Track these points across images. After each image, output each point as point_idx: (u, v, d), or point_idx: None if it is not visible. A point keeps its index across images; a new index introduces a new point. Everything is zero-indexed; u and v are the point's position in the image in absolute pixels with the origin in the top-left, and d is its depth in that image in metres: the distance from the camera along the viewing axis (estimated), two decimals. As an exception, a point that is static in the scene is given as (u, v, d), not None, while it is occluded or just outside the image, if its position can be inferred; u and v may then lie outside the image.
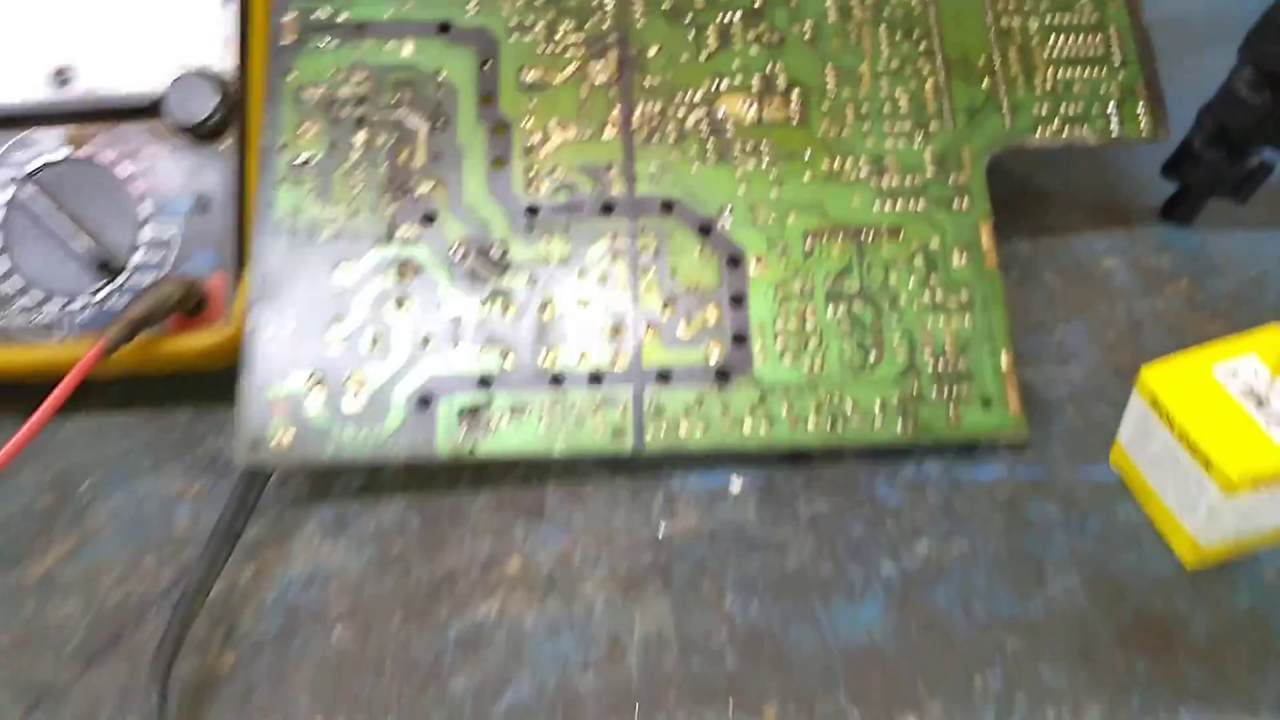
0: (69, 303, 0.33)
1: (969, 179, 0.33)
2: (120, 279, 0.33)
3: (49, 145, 0.34)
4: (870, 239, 0.32)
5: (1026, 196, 0.38)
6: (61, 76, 0.34)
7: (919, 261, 0.32)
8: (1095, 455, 0.30)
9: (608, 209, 0.32)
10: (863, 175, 0.33)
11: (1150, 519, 0.29)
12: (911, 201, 0.32)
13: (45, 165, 0.34)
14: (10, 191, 0.34)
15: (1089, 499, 0.29)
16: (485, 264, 0.32)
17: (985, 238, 0.32)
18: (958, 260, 0.32)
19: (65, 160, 0.34)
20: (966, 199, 0.32)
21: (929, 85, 0.34)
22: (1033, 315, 0.34)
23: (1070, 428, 0.31)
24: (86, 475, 0.33)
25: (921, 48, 0.34)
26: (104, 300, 0.33)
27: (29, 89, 0.34)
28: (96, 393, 0.35)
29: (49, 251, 0.33)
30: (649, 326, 0.31)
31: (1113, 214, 0.37)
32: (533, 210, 0.32)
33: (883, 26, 0.34)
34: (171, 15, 0.34)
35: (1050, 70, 0.34)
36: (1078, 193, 0.38)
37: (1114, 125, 0.34)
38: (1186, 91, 0.35)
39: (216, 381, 0.34)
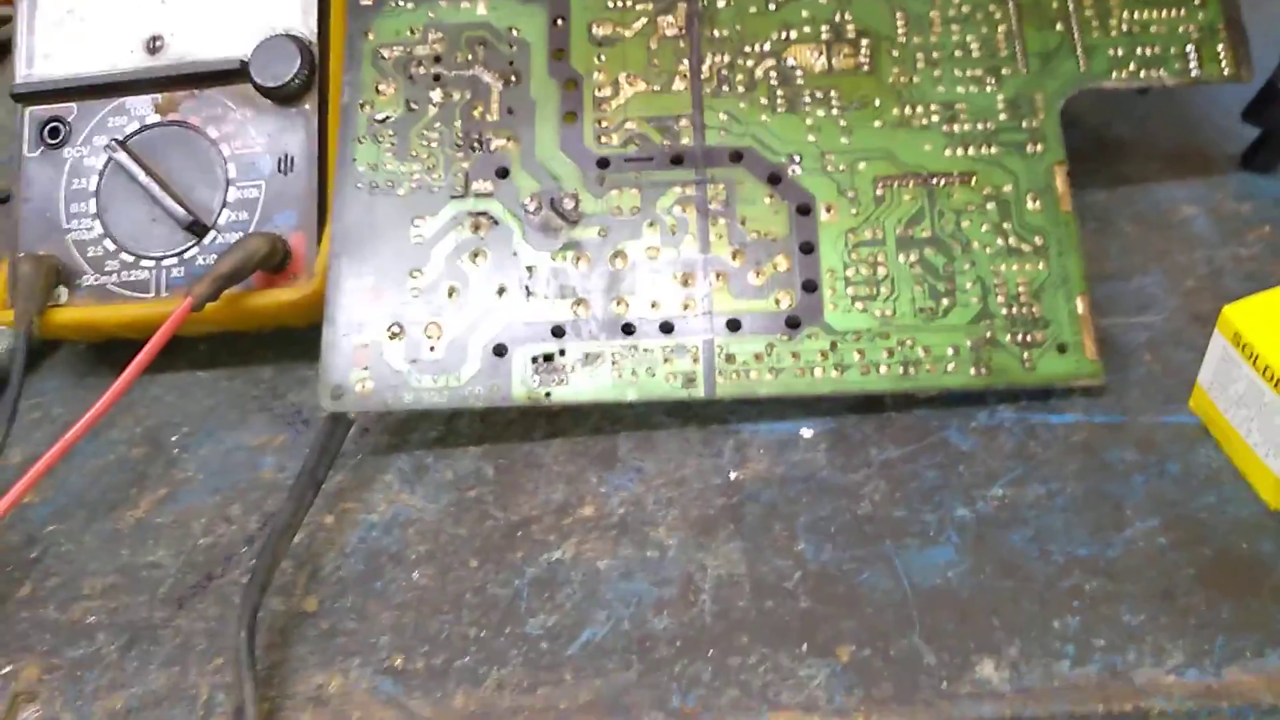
0: (160, 262, 0.35)
1: (1042, 123, 0.32)
2: (208, 238, 0.34)
3: (142, 111, 0.35)
4: (941, 185, 0.32)
5: (1104, 145, 0.37)
6: (154, 44, 0.36)
7: (992, 207, 0.31)
8: (1175, 399, 0.30)
9: (677, 160, 0.32)
10: (934, 121, 0.32)
11: (1232, 461, 0.28)
12: (983, 147, 0.32)
13: (138, 130, 0.35)
14: (106, 156, 0.35)
15: (1168, 442, 0.29)
16: (558, 216, 0.32)
17: (1060, 182, 0.31)
18: (1031, 205, 0.31)
19: (157, 125, 0.35)
20: (1040, 144, 0.32)
21: (1001, 30, 0.33)
22: (1110, 264, 0.34)
23: (1148, 373, 0.30)
24: (176, 428, 0.34)
25: (994, -7, 0.34)
26: (193, 259, 0.34)
27: (123, 57, 0.36)
28: (185, 350, 0.36)
29: (141, 213, 0.35)
30: (719, 275, 0.31)
31: (1192, 162, 0.36)
32: (603, 163, 0.32)
33: (953, -27, 0.34)
34: (254, -17, 0.35)
35: (1126, 12, 0.33)
36: (1156, 141, 0.37)
37: (1193, 66, 0.33)
38: (1273, 29, 0.34)
39: (299, 339, 0.35)
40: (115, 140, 0.35)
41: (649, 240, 0.31)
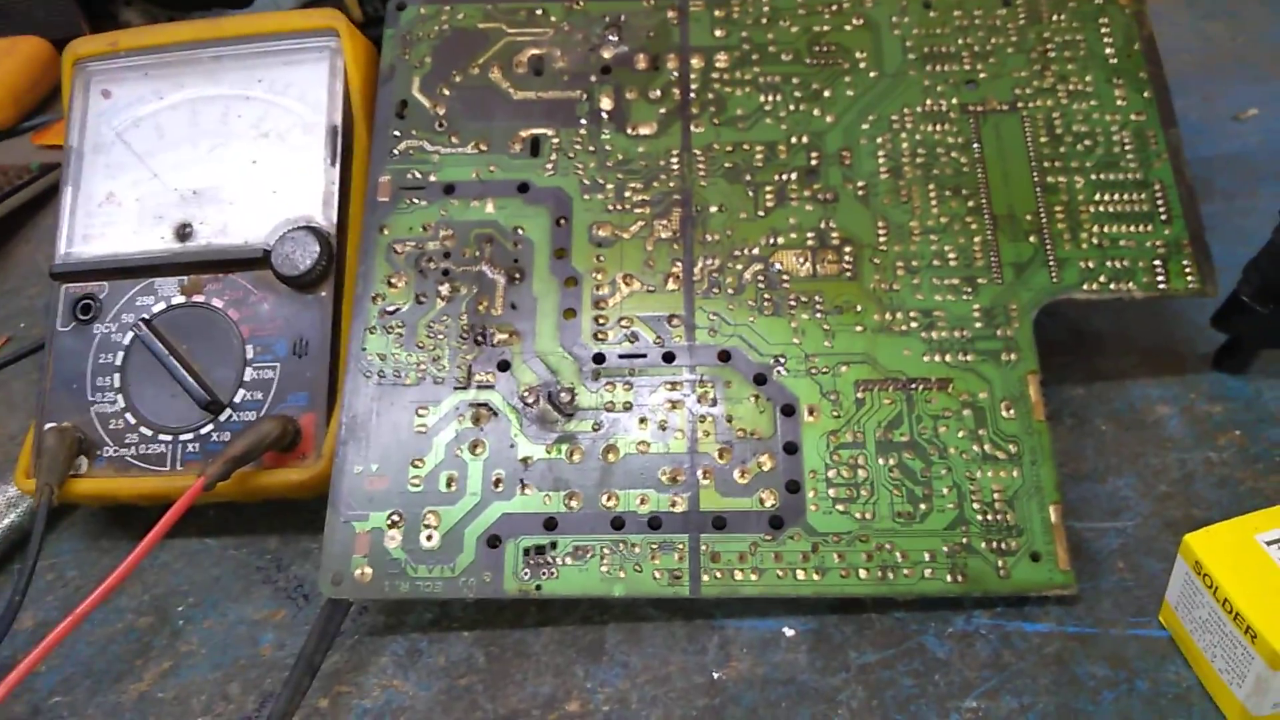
0: (177, 437, 0.36)
1: (1017, 333, 0.33)
2: (223, 416, 0.36)
3: (169, 291, 0.37)
4: (920, 390, 0.33)
5: (1082, 339, 0.38)
6: (184, 231, 0.37)
7: (968, 414, 0.32)
8: (1146, 611, 0.30)
9: (669, 358, 0.34)
10: (913, 328, 0.33)
11: (1200, 681, 0.28)
12: (960, 354, 0.33)
13: (164, 310, 0.37)
14: (132, 334, 0.37)
15: (1139, 657, 0.29)
16: (554, 409, 0.33)
17: (1033, 391, 0.32)
18: (1006, 413, 0.32)
19: (182, 305, 0.37)
20: (1014, 353, 0.33)
21: (977, 241, 0.35)
22: (1085, 464, 0.34)
23: (1121, 582, 0.31)
24: (182, 598, 0.35)
25: (970, 204, 0.35)
26: (208, 435, 0.36)
27: (156, 243, 0.37)
28: (195, 515, 0.37)
29: (162, 389, 0.36)
30: (706, 473, 0.32)
31: (1167, 360, 0.37)
32: (599, 358, 0.34)
33: (932, 184, 0.35)
34: (281, 176, 0.37)
35: (1096, 226, 0.35)
36: (1132, 337, 0.38)
37: (1160, 279, 0.34)
38: (1240, 234, 0.35)
39: (304, 509, 0.36)
40: (142, 319, 0.37)
41: (640, 435, 0.33)
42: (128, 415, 0.36)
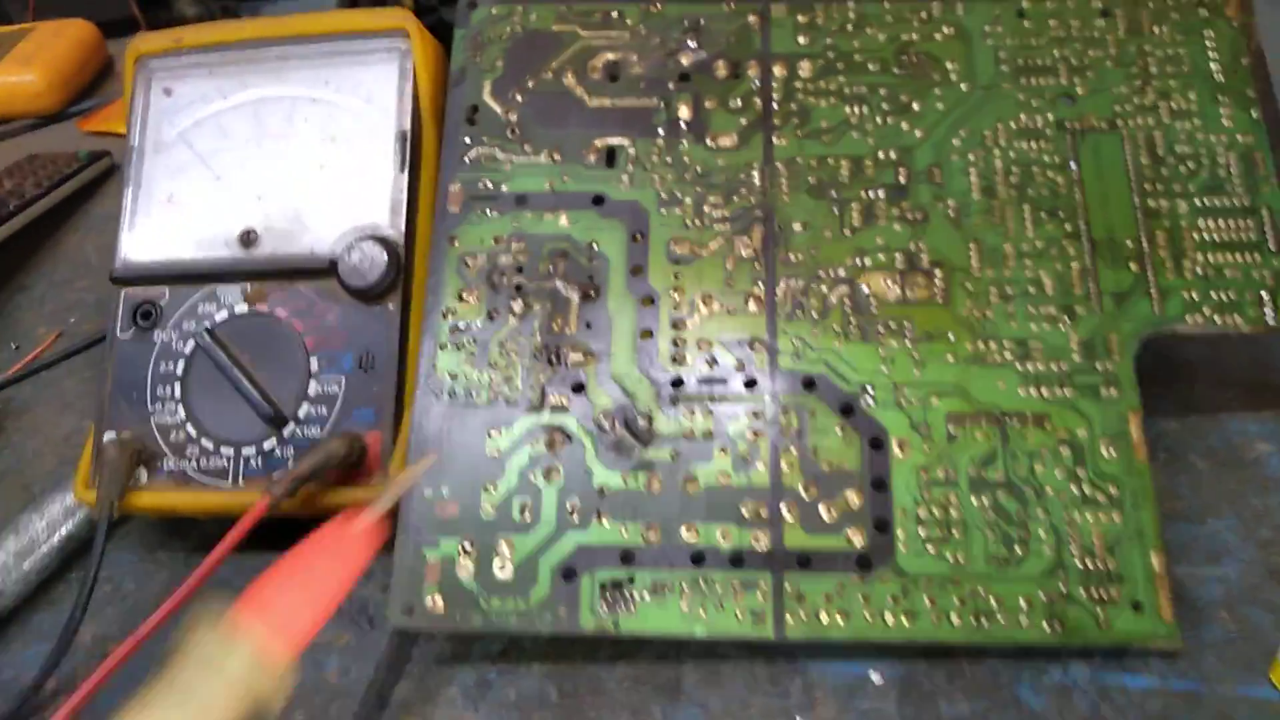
0: (239, 451, 0.34)
1: (1117, 367, 0.31)
2: (287, 430, 0.34)
3: (231, 299, 0.35)
4: (1015, 426, 0.31)
5: (1173, 369, 0.36)
6: (248, 238, 0.36)
7: (1066, 452, 0.30)
8: (1254, 669, 0.28)
9: (750, 384, 0.32)
10: (1007, 359, 0.31)
11: (1319, 748, 0.26)
12: (1057, 388, 0.31)
13: (227, 319, 0.35)
14: (194, 342, 0.35)
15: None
16: (631, 435, 0.31)
17: (1135, 430, 0.30)
18: (1106, 452, 0.30)
19: (245, 314, 0.35)
20: (1114, 388, 0.31)
21: (1075, 267, 0.32)
22: (1180, 503, 0.32)
23: (1225, 634, 0.29)
24: (246, 615, 0.34)
25: (1067, 228, 0.33)
26: (271, 451, 0.34)
27: (219, 248, 0.36)
28: (256, 529, 0.36)
29: (224, 401, 0.34)
30: (790, 508, 0.30)
31: (1266, 394, 0.35)
32: (678, 383, 0.32)
33: (1027, 206, 0.33)
34: (348, 182, 0.35)
35: (1200, 254, 0.32)
36: (1228, 368, 0.36)
37: (1269, 314, 0.32)
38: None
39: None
40: (205, 328, 0.35)
41: (720, 465, 0.31)
42: (189, 427, 0.35)
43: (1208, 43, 0.35)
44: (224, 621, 0.18)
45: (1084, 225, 0.33)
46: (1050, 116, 0.34)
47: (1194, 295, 0.32)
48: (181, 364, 0.35)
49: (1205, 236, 0.33)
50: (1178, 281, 0.32)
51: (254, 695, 0.17)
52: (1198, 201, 0.33)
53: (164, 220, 0.37)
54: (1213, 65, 0.35)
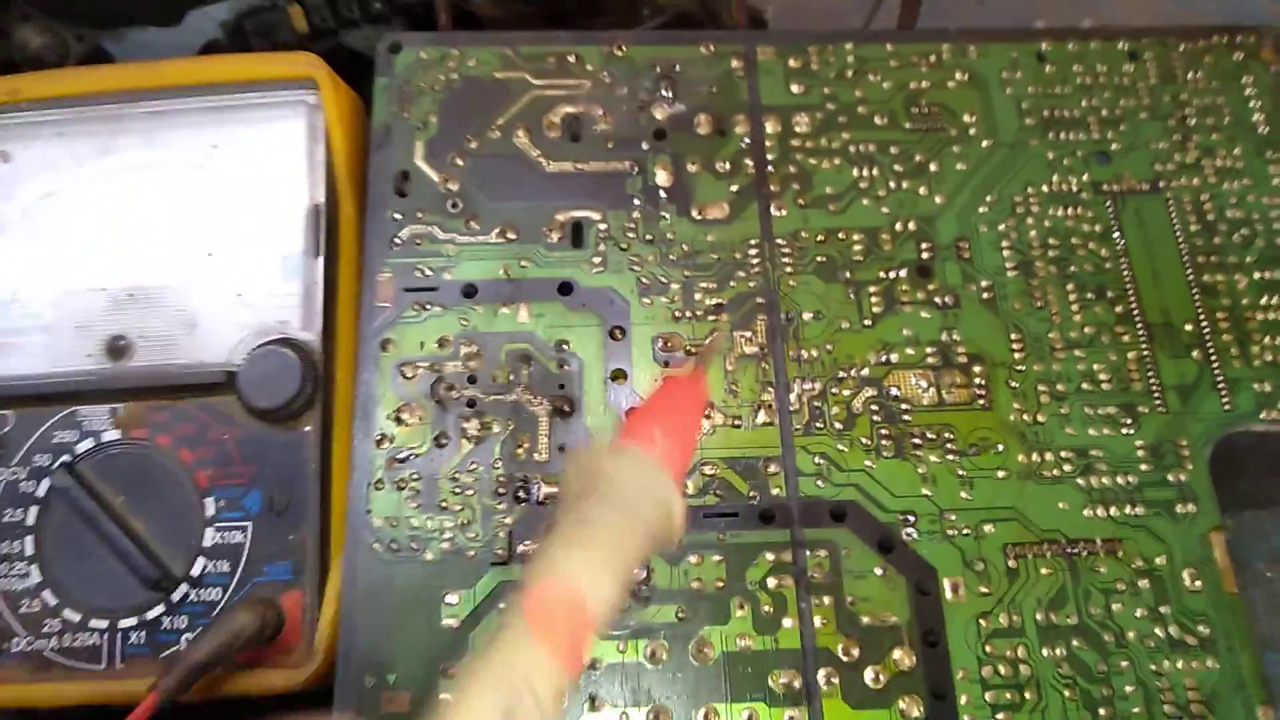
0: (115, 624, 0.26)
1: (1191, 476, 0.26)
2: (177, 594, 0.26)
3: (98, 425, 0.28)
4: (1084, 555, 0.26)
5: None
6: (117, 347, 0.28)
7: (1144, 585, 0.25)
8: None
9: (768, 517, 0.26)
10: (1066, 472, 0.26)
11: None
12: (1127, 506, 0.26)
13: (92, 450, 0.27)
14: (47, 483, 0.27)
15: None
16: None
17: (1219, 553, 0.26)
18: (1189, 583, 0.25)
19: (115, 444, 0.27)
20: (1191, 503, 0.26)
21: (1131, 357, 0.28)
22: (1260, 623, 0.28)
23: (1344, 800, 0.24)
24: (131, 838, 0.26)
25: (1118, 310, 0.28)
26: (157, 622, 0.26)
27: (79, 360, 0.28)
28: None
29: (92, 559, 0.27)
30: (830, 675, 0.24)
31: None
32: (678, 519, 0.26)
33: (1071, 284, 0.28)
34: (245, 272, 0.28)
35: (1266, 337, 0.28)
36: None
37: (1348, 405, 0.28)
38: None
39: (296, 701, 0.28)
40: (65, 462, 0.27)
41: (739, 625, 0.25)
42: (45, 594, 0.27)
43: (1247, 90, 0.31)
44: (624, 452, 0.16)
45: (1136, 306, 0.28)
46: (1086, 178, 0.30)
47: (1266, 387, 0.27)
48: (34, 511, 0.27)
49: (1269, 317, 0.28)
50: (1245, 371, 0.28)
51: (661, 525, 0.16)
52: (1257, 275, 0.29)
53: (9, 324, 0.28)
54: (1255, 115, 0.31)
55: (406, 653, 0.24)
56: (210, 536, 0.27)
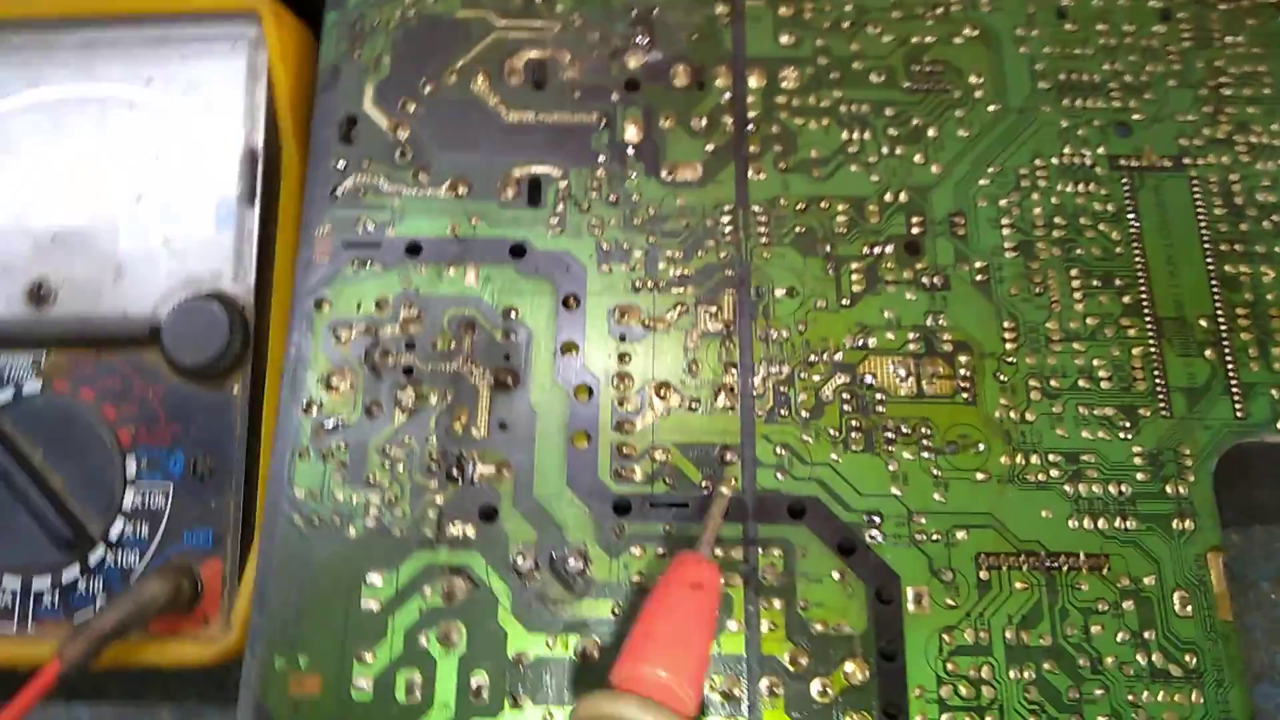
0: (27, 583, 0.25)
1: (1192, 489, 0.24)
2: (94, 556, 0.25)
3: (19, 374, 0.26)
4: (1065, 571, 0.23)
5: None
6: (39, 294, 0.26)
7: (1129, 607, 0.23)
8: None
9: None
10: (1053, 477, 0.24)
11: None
12: (1118, 519, 0.24)
13: (10, 401, 0.26)
14: (-35, 434, 0.26)
15: None
16: (559, 582, 0.23)
17: (1216, 576, 0.23)
18: (1179, 607, 0.23)
19: (35, 396, 0.26)
20: (1189, 519, 0.24)
21: (1137, 353, 0.25)
22: (1255, 652, 0.25)
23: None
24: (39, 806, 0.25)
25: (1125, 301, 0.25)
26: (72, 584, 0.25)
27: (0, 306, 0.26)
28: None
29: (6, 514, 0.25)
30: (771, 685, 0.22)
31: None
32: (623, 507, 0.24)
33: (1075, 270, 0.25)
34: (176, 218, 0.26)
35: (1291, 337, 0.25)
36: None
37: (1377, 418, 0.25)
38: None
39: (209, 675, 0.26)
40: (-19, 413, 0.26)
41: (679, 625, 0.23)
42: (-42, 549, 0.25)
43: (1292, 58, 0.28)
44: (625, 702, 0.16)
45: (1146, 297, 0.25)
46: (1101, 151, 0.27)
47: (1284, 393, 0.25)
48: (-51, 462, 0.26)
49: (1296, 314, 0.25)
50: (1264, 375, 0.25)
51: None
52: (1287, 265, 0.26)
53: (-73, 262, 0.27)
54: (1299, 88, 0.27)
55: (321, 634, 0.23)
56: (131, 498, 0.25)
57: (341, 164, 0.26)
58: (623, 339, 0.25)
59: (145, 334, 0.25)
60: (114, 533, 0.25)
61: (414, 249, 0.25)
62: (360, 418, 0.24)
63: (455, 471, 0.24)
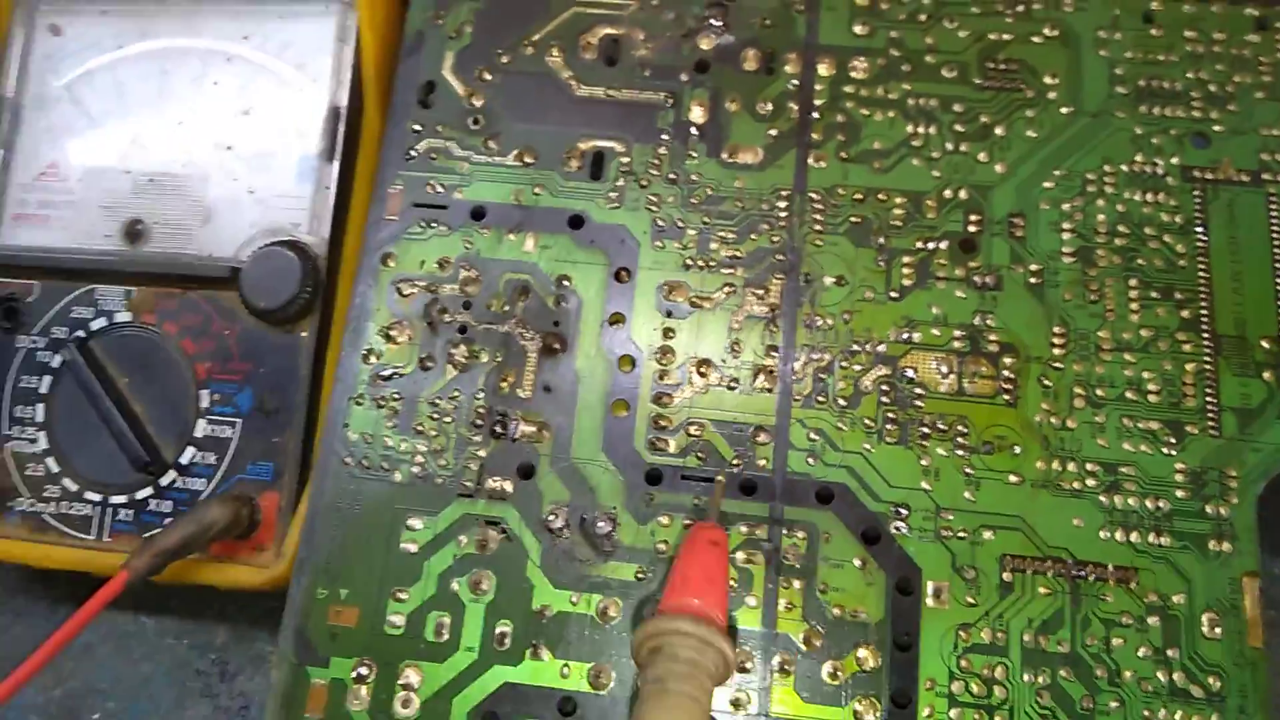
0: (107, 498, 0.27)
1: (1233, 511, 0.23)
2: (166, 479, 0.27)
3: (112, 305, 0.28)
4: (1091, 581, 0.23)
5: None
6: (134, 230, 0.28)
7: (1155, 623, 0.23)
8: None
9: (749, 488, 0.24)
10: (1089, 486, 0.24)
11: None
12: (1152, 535, 0.23)
13: (103, 329, 0.28)
14: (62, 357, 0.28)
15: None
16: (587, 543, 0.24)
17: (1250, 602, 0.23)
18: (1208, 629, 0.23)
19: (126, 326, 0.28)
20: (1227, 541, 0.23)
21: (1190, 369, 0.24)
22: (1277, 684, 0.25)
23: None
24: (100, 702, 0.27)
25: (1184, 315, 0.25)
26: (144, 503, 0.27)
27: (99, 240, 0.28)
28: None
29: (92, 434, 0.27)
30: (784, 662, 0.23)
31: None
32: (654, 476, 0.24)
33: (1134, 280, 0.25)
34: (261, 169, 0.28)
35: (1359, 367, 0.24)
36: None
37: None
38: None
39: (265, 597, 0.28)
40: (79, 338, 0.28)
41: (699, 595, 0.23)
42: (50, 460, 0.27)
43: (1394, 76, 0.26)
44: (676, 616, 0.20)
45: (1207, 313, 0.25)
46: (1175, 160, 0.26)
47: (1343, 424, 0.24)
48: (48, 381, 0.28)
49: (1367, 342, 0.24)
50: (1324, 402, 0.24)
51: (719, 668, 0.20)
52: (1361, 292, 0.25)
53: (41, 195, 0.29)
54: (1397, 108, 0.26)
55: (361, 570, 0.24)
56: (202, 428, 0.27)
57: (417, 127, 0.27)
58: (669, 315, 0.25)
59: (226, 275, 0.27)
60: (185, 459, 0.27)
61: (478, 213, 0.26)
62: (415, 370, 0.25)
63: (499, 428, 0.25)
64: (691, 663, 0.19)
